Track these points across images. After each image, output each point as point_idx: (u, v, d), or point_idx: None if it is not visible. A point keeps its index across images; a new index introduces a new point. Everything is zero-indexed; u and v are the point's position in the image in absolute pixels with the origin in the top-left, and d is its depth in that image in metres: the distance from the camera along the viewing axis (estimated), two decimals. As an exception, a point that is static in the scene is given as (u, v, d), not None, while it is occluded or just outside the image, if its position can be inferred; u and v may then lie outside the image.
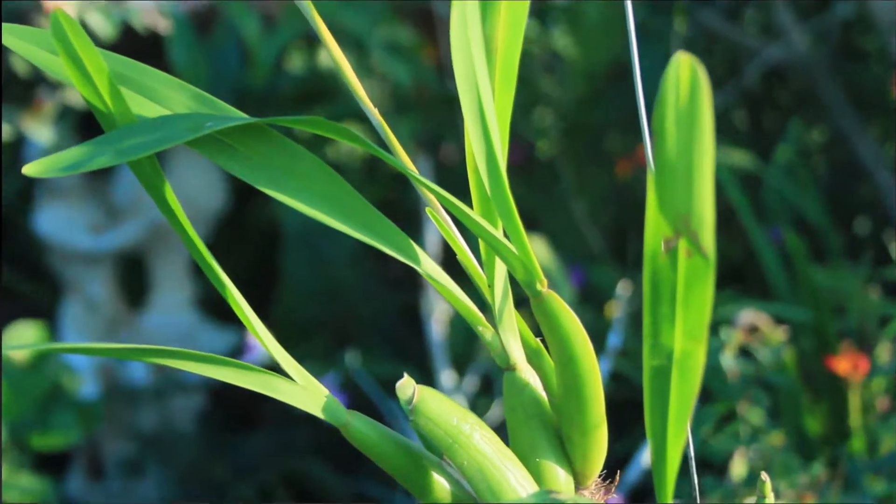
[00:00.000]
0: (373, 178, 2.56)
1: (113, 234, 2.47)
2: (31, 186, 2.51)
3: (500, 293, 0.72)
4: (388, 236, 0.69)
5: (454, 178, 2.52)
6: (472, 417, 0.71)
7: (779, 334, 1.65)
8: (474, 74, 0.66)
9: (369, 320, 2.42)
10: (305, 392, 0.69)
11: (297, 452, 2.29)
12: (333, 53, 0.70)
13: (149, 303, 2.56)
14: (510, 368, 0.72)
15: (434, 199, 0.72)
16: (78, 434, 1.99)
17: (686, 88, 0.56)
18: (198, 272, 2.53)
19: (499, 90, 0.70)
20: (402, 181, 2.50)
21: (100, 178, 2.51)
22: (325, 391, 0.71)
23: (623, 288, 2.04)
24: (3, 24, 0.68)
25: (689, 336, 0.60)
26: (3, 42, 0.68)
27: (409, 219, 2.37)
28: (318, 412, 0.70)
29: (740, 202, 2.20)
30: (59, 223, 2.46)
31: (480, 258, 0.73)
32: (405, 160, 0.74)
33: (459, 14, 0.64)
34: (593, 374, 0.71)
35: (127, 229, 2.47)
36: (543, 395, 0.73)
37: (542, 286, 0.69)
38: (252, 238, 2.66)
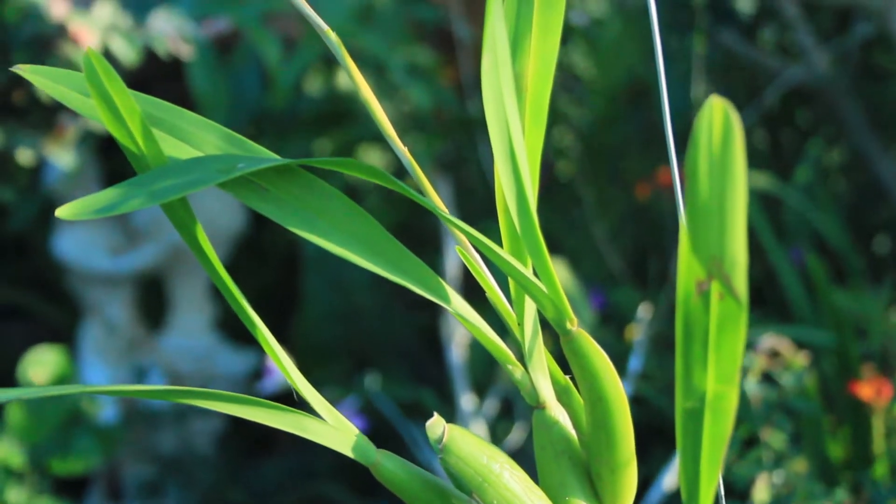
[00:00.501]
0: (391, 200, 2.56)
1: (132, 256, 2.48)
2: (50, 209, 2.51)
3: (529, 331, 0.72)
4: (419, 275, 0.69)
5: (473, 199, 2.52)
6: (502, 456, 0.71)
7: (801, 359, 1.65)
8: (505, 113, 0.66)
9: (388, 343, 2.42)
10: (335, 432, 0.69)
11: (317, 476, 2.29)
12: (354, 77, 0.71)
13: (168, 325, 2.56)
14: (539, 406, 0.72)
15: (463, 237, 0.72)
16: (98, 458, 1.99)
17: (719, 133, 0.56)
18: (217, 293, 2.53)
19: (529, 128, 0.70)
20: (417, 207, 2.50)
21: (120, 201, 2.51)
22: (355, 430, 0.71)
23: (644, 310, 2.03)
24: (35, 67, 0.68)
25: (722, 378, 0.60)
26: (36, 84, 0.68)
27: (429, 240, 2.38)
28: (347, 451, 0.70)
29: (760, 223, 2.19)
30: (78, 245, 2.47)
31: (510, 295, 0.73)
32: (426, 186, 0.74)
33: (490, 52, 0.64)
34: (623, 412, 0.70)
35: (146, 251, 2.47)
36: (573, 432, 0.73)
37: (573, 325, 0.69)
38: (271, 260, 2.66)
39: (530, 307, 0.72)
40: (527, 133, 0.70)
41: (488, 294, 0.73)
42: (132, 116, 0.65)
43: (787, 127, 2.85)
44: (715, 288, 0.58)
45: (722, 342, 0.59)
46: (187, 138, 0.68)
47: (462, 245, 0.73)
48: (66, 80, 0.68)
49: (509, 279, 0.71)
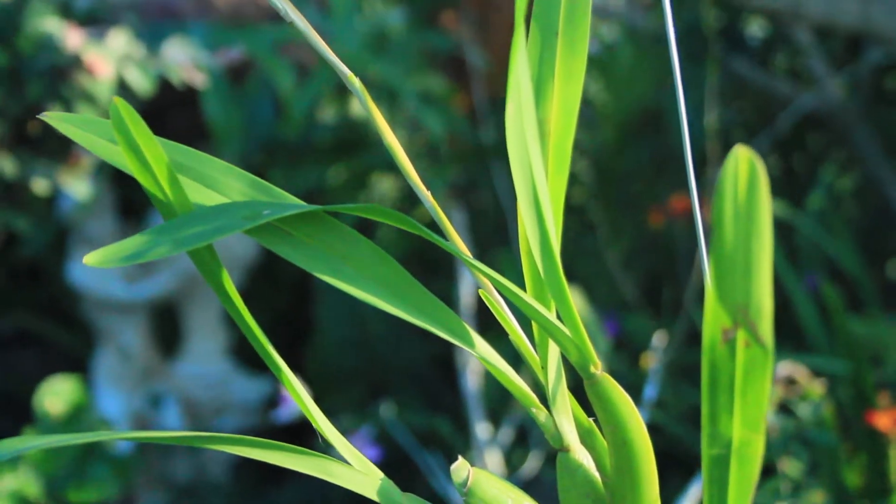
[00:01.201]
0: (403, 231, 2.56)
1: (146, 283, 2.48)
2: (64, 236, 2.52)
3: (553, 375, 0.72)
4: (443, 320, 0.69)
5: (487, 224, 2.52)
6: (527, 500, 0.71)
7: (817, 388, 1.64)
8: (528, 159, 0.66)
9: (403, 370, 2.42)
10: (360, 475, 0.70)
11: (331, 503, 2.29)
12: (368, 107, 0.71)
13: (182, 352, 2.56)
14: (563, 449, 0.72)
15: (487, 281, 0.72)
16: (113, 487, 1.99)
17: (745, 183, 0.56)
18: (231, 320, 2.54)
19: (552, 173, 0.70)
20: (434, 229, 2.50)
21: (133, 228, 2.52)
22: (379, 473, 0.71)
23: (658, 338, 2.03)
24: (62, 114, 0.68)
25: (748, 425, 0.60)
26: (63, 131, 0.68)
27: (442, 266, 2.38)
28: (372, 495, 0.70)
29: (774, 250, 2.19)
30: (92, 273, 2.48)
31: (532, 336, 0.73)
32: (443, 219, 0.74)
33: (514, 99, 0.65)
34: (647, 456, 0.70)
35: (160, 279, 2.48)
36: (597, 475, 0.73)
37: (597, 369, 0.69)
38: (285, 287, 2.67)
39: (554, 350, 0.72)
40: (550, 178, 0.70)
41: (511, 337, 0.73)
42: (159, 164, 0.65)
43: (800, 152, 2.85)
44: (741, 336, 0.59)
45: (748, 389, 0.60)
46: (213, 185, 0.68)
47: (484, 287, 0.73)
48: (92, 127, 0.68)
49: (533, 323, 0.71)
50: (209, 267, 0.67)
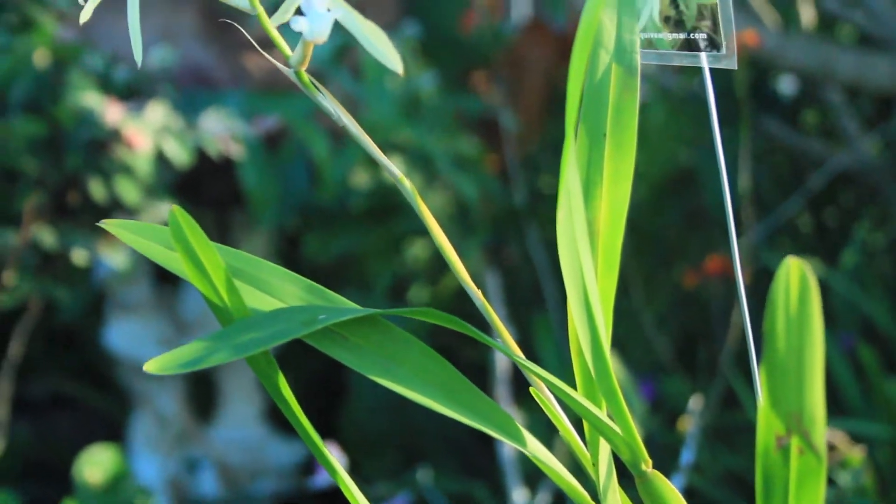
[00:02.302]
0: (436, 292, 2.57)
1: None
2: (100, 301, 2.54)
3: (604, 472, 0.72)
4: (495, 420, 0.70)
5: (521, 288, 2.53)
6: None
7: (857, 454, 1.64)
8: (579, 262, 0.67)
9: (438, 435, 2.42)
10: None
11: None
12: (402, 184, 0.72)
13: (218, 416, 2.57)
14: (615, 545, 0.73)
15: (538, 380, 0.73)
16: (152, 554, 2.00)
17: (796, 293, 0.57)
18: (266, 384, 2.54)
19: (602, 273, 0.71)
20: (464, 294, 2.51)
21: (168, 293, 2.54)
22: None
23: (695, 401, 2.03)
24: (120, 221, 0.70)
25: (803, 530, 0.61)
26: (121, 238, 0.70)
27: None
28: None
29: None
30: (128, 337, 2.49)
31: (584, 435, 0.74)
32: (466, 279, 0.75)
33: (565, 203, 0.66)
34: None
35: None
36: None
37: (647, 466, 0.70)
38: (319, 350, 2.67)
39: (605, 447, 0.73)
40: (600, 278, 0.71)
41: (562, 434, 0.73)
42: (216, 270, 0.66)
43: (832, 208, 2.85)
44: (794, 443, 0.59)
45: (802, 496, 0.60)
46: (269, 289, 0.69)
47: (535, 385, 0.74)
48: (150, 233, 0.70)
49: (584, 421, 0.72)
50: (265, 371, 0.68)
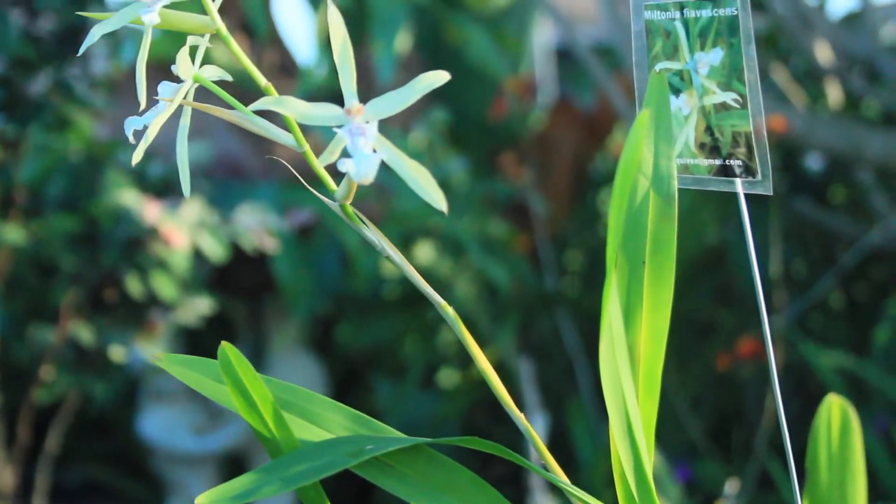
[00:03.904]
0: (468, 375, 2.58)
1: (215, 436, 2.51)
2: (134, 390, 2.56)
3: None
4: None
5: (552, 368, 2.53)
6: None
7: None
8: (621, 388, 0.68)
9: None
10: None
11: None
12: (416, 281, 0.73)
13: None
14: None
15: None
16: None
17: (837, 431, 0.58)
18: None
19: (643, 398, 0.72)
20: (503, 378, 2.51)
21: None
22: None
23: (730, 485, 2.03)
24: (171, 356, 0.71)
25: None
26: (172, 372, 0.71)
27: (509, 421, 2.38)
28: None
29: (840, 391, 2.19)
30: (162, 426, 2.51)
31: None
32: (507, 401, 0.76)
33: (607, 336, 0.67)
34: None
35: (229, 431, 2.50)
36: None
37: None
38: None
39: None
40: (641, 402, 0.72)
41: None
42: (265, 403, 0.68)
43: (862, 282, 2.85)
44: (840, 575, 0.60)
45: None
46: (316, 420, 0.71)
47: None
48: (200, 367, 0.71)
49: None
50: (314, 501, 0.69)
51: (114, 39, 1.97)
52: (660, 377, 0.72)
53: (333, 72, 2.73)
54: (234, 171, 2.39)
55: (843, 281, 2.76)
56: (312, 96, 2.61)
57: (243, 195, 2.17)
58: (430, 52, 2.82)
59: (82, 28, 1.88)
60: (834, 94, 2.62)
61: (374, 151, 0.67)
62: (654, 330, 0.72)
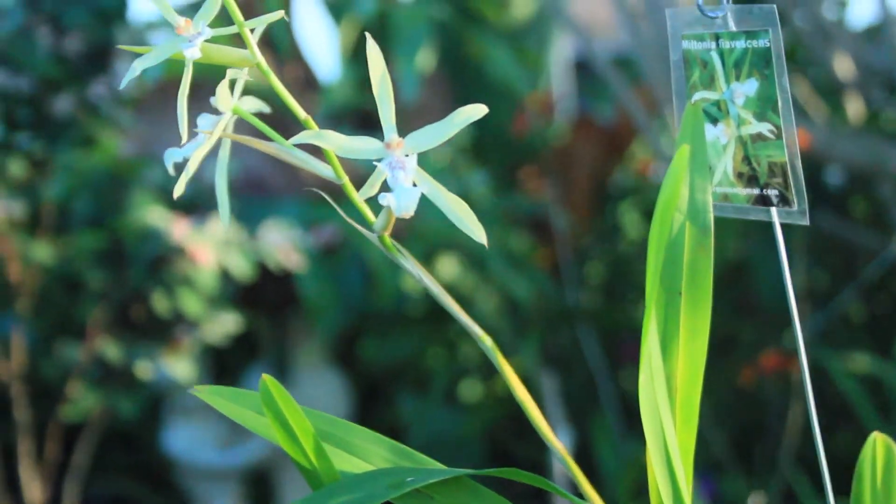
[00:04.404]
0: (493, 394, 2.58)
1: (239, 450, 2.52)
2: (158, 405, 2.57)
3: None
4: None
5: (575, 384, 2.53)
6: None
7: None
8: (659, 418, 0.69)
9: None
10: None
11: None
12: (452, 309, 0.74)
13: (276, 517, 2.58)
14: None
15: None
16: None
17: (882, 467, 0.58)
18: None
19: (680, 427, 0.73)
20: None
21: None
22: None
23: (754, 500, 2.03)
24: (213, 388, 0.72)
25: None
26: (211, 403, 0.72)
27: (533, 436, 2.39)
28: None
29: (861, 403, 2.19)
30: (186, 440, 2.52)
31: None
32: (548, 435, 0.76)
33: (647, 368, 0.67)
34: None
35: (253, 446, 2.51)
36: None
37: None
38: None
39: None
40: (679, 431, 0.72)
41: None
42: (305, 436, 0.68)
43: (884, 294, 2.85)
44: None
45: None
46: (356, 451, 0.71)
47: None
48: (240, 399, 0.72)
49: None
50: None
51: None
52: (697, 406, 0.73)
53: (356, 87, 2.74)
54: (258, 187, 2.40)
55: (864, 294, 2.76)
56: (335, 112, 2.62)
57: (268, 211, 2.17)
58: (452, 68, 2.82)
59: (108, 47, 1.89)
60: (854, 107, 2.62)
61: (415, 185, 0.68)
62: (691, 359, 0.72)
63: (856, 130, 2.57)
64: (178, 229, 1.87)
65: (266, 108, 0.76)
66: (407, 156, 0.68)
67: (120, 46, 0.73)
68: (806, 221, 0.74)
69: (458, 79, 2.83)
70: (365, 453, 0.72)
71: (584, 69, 3.49)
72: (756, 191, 0.76)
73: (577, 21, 2.67)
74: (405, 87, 2.48)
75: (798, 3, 2.43)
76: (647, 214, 2.71)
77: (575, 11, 3.23)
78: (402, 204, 0.67)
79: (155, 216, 1.86)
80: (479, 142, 2.76)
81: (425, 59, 2.60)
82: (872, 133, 2.56)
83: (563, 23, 2.73)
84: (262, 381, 0.68)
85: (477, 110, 0.68)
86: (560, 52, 3.24)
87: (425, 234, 2.31)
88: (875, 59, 2.51)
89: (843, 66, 2.48)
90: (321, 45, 2.88)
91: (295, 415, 0.68)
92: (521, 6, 3.02)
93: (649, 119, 2.49)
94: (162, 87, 2.25)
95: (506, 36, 2.89)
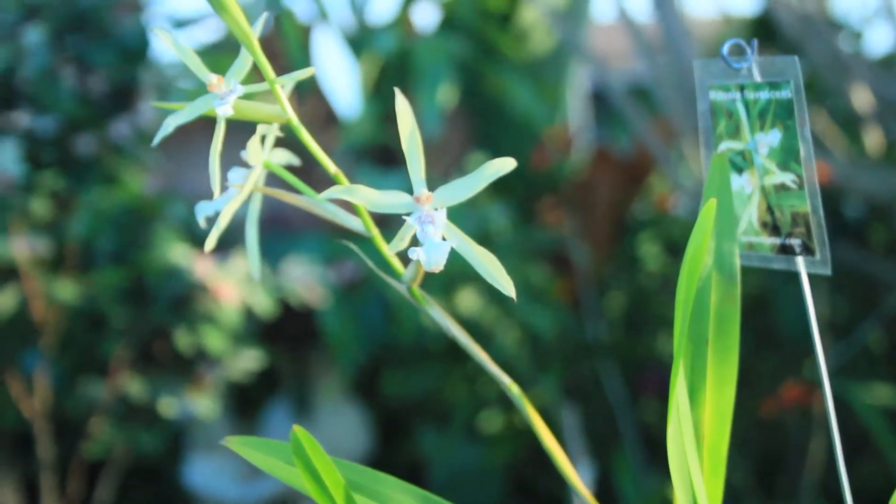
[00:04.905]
0: (513, 425, 2.58)
1: (260, 483, 2.52)
2: (178, 439, 2.57)
3: None
4: None
5: (594, 411, 2.53)
6: None
7: None
8: (687, 469, 0.69)
9: None
10: None
11: None
12: (480, 358, 0.75)
13: (297, 552, 2.58)
14: None
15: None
16: None
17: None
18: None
19: (708, 476, 0.73)
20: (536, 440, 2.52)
21: (246, 429, 2.57)
22: None
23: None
24: (242, 438, 0.73)
25: None
26: (243, 455, 0.72)
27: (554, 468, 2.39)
28: None
29: (883, 434, 2.19)
30: (207, 474, 2.52)
31: None
32: (542, 430, 0.77)
33: (675, 422, 0.68)
34: None
35: (273, 480, 2.51)
36: None
37: None
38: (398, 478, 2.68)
39: None
40: (706, 480, 0.73)
41: None
42: (336, 487, 0.69)
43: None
44: None
45: None
46: (387, 501, 0.72)
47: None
48: (272, 450, 0.73)
49: None
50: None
51: (163, 95, 2.00)
52: (725, 454, 0.73)
53: (377, 122, 2.75)
54: (278, 222, 2.41)
55: (884, 325, 2.75)
56: (355, 147, 2.63)
57: (289, 246, 2.19)
58: (472, 103, 2.83)
59: (132, 86, 1.91)
60: (873, 138, 2.62)
61: (444, 239, 0.68)
62: (718, 408, 0.73)
63: (875, 162, 2.57)
64: (201, 266, 1.88)
65: (296, 161, 0.77)
66: (436, 209, 0.69)
67: (157, 104, 0.74)
68: (828, 271, 0.74)
69: (479, 113, 2.84)
70: (394, 503, 0.72)
71: (601, 100, 3.51)
72: (779, 240, 0.77)
73: (594, 52, 2.68)
74: (426, 122, 2.49)
75: (814, 36, 2.44)
76: (667, 246, 2.71)
77: (592, 43, 3.24)
78: (432, 258, 0.67)
79: (178, 253, 1.87)
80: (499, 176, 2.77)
81: (446, 94, 2.62)
82: (891, 164, 2.56)
83: (580, 56, 2.74)
84: (293, 434, 0.69)
85: (506, 163, 0.69)
86: (577, 83, 3.25)
87: (446, 268, 2.32)
88: (892, 91, 2.51)
89: (861, 98, 2.48)
90: (341, 80, 2.89)
91: (325, 466, 0.69)
92: (538, 40, 3.03)
93: (666, 150, 2.50)
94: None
95: (524, 70, 2.90)
